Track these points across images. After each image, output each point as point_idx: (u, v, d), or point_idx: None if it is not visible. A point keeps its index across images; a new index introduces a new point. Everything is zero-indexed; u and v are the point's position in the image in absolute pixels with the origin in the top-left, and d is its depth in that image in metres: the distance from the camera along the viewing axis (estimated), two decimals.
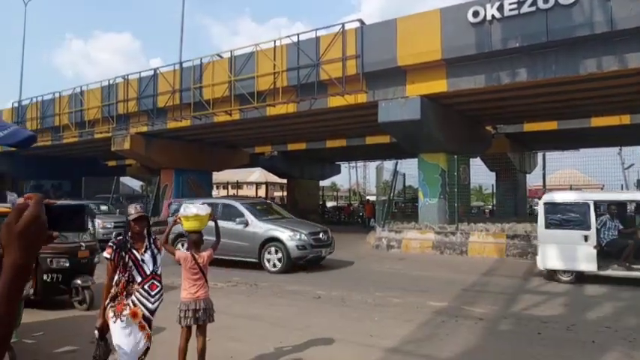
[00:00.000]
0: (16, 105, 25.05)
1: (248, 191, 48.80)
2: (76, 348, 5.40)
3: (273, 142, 27.21)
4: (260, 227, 10.96)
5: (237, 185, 40.20)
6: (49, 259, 6.86)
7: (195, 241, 4.32)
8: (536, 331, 5.94)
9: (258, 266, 10.78)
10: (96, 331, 3.68)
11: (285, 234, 10.61)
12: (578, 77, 11.98)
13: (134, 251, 3.65)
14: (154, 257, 3.72)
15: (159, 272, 3.75)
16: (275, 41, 15.38)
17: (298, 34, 14.95)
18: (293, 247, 10.43)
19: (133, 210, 3.76)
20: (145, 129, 20.41)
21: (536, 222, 9.74)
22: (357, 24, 14.13)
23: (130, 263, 3.60)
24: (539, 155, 14.97)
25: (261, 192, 44.31)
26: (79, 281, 7.05)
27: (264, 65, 15.57)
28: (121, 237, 3.76)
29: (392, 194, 19.85)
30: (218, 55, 17.46)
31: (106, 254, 3.69)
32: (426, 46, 12.82)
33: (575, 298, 8.05)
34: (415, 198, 19.13)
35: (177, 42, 23.19)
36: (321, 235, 11.09)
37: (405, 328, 6.13)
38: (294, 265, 10.53)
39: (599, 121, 19.13)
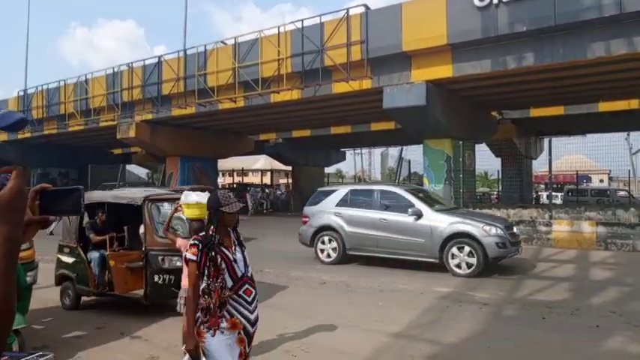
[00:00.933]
0: (21, 94, 25.12)
1: (253, 178, 48.88)
2: (84, 333, 5.49)
3: (277, 129, 27.17)
4: (440, 220, 9.10)
5: (243, 172, 40.23)
6: (160, 258, 5.94)
7: (196, 229, 4.27)
8: (541, 316, 5.96)
9: (439, 267, 9.05)
10: (186, 358, 2.85)
11: (477, 228, 8.71)
12: (586, 61, 11.81)
13: (224, 250, 2.92)
14: (244, 256, 3.03)
15: (249, 274, 3.01)
16: (279, 27, 15.25)
17: (302, 20, 14.81)
18: (491, 245, 8.54)
19: (226, 199, 2.92)
20: (150, 117, 20.41)
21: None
22: (362, 9, 13.95)
23: (223, 265, 2.87)
24: (546, 141, 14.84)
25: (267, 179, 44.38)
26: None
27: (268, 52, 15.47)
28: (203, 233, 3.02)
29: (397, 181, 19.87)
30: (222, 42, 17.35)
31: (190, 255, 2.87)
32: (431, 30, 12.68)
33: (580, 283, 8.05)
34: (420, 184, 19.10)
35: (180, 29, 23.14)
36: (515, 230, 9.51)
37: (410, 313, 6.17)
38: (490, 266, 8.72)
39: (607, 106, 18.91)
